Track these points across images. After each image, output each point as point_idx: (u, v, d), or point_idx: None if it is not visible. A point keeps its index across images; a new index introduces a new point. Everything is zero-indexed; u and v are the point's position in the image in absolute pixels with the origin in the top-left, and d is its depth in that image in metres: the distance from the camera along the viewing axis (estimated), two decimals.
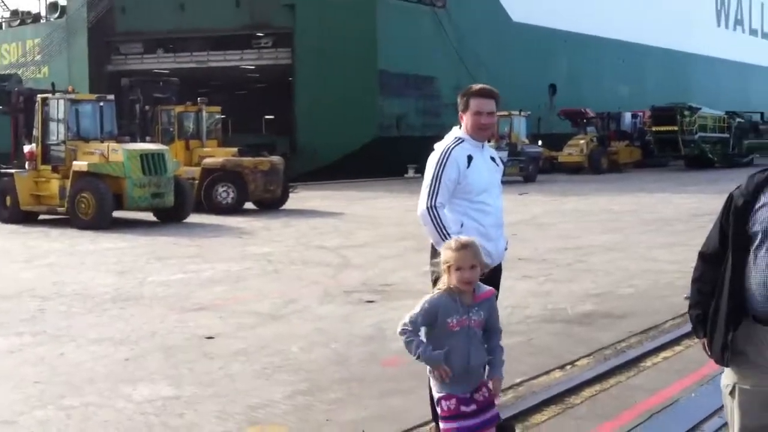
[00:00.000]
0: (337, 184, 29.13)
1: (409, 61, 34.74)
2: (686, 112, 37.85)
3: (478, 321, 3.66)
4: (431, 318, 3.62)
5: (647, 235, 13.69)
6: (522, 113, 32.25)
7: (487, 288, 3.76)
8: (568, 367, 5.81)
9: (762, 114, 46.95)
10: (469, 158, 4.33)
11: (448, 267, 3.61)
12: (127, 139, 17.12)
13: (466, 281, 3.59)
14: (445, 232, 4.15)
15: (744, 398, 3.05)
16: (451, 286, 3.62)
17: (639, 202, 20.20)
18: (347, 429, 4.64)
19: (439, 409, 3.69)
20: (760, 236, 2.98)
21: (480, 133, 4.41)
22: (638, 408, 4.89)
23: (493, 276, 4.30)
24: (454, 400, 3.62)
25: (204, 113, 19.89)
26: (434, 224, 4.21)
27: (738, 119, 42.71)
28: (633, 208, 18.43)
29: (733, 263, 3.02)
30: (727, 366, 3.11)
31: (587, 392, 5.21)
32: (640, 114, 40.59)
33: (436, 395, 3.68)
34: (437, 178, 4.28)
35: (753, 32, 64.37)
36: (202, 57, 35.16)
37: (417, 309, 3.64)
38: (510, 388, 5.23)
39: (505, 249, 4.60)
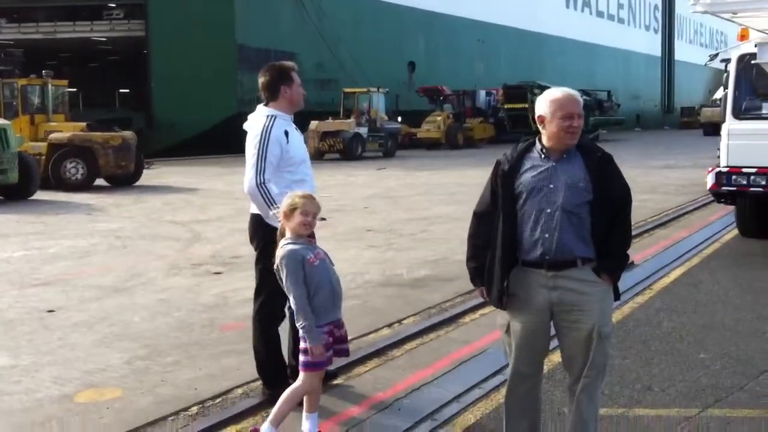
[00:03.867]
0: (196, 159, 28.80)
1: (269, 37, 34.63)
2: (536, 90, 39.67)
3: (325, 254, 4.04)
4: (299, 265, 3.86)
5: None
6: (380, 90, 32.87)
7: None
8: (396, 325, 6.29)
9: (609, 92, 49.84)
10: (286, 133, 4.65)
11: (293, 210, 3.90)
12: None
13: (308, 225, 3.92)
14: (274, 205, 4.43)
15: (516, 333, 3.58)
16: (293, 231, 3.91)
17: (487, 175, 21.11)
18: (181, 387, 4.90)
19: (318, 340, 3.86)
20: (524, 195, 3.51)
21: (302, 103, 4.78)
22: (451, 357, 5.42)
23: None
24: (327, 327, 3.92)
25: (50, 86, 19.20)
26: (264, 199, 4.50)
27: (584, 97, 45.18)
28: (481, 182, 19.09)
29: (503, 219, 3.54)
30: (504, 309, 3.63)
31: (408, 346, 5.70)
32: (494, 92, 42.21)
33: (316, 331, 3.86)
34: (262, 156, 4.53)
35: (600, 14, 67.88)
36: (49, 28, 33.67)
37: (285, 279, 3.84)
38: None
39: None
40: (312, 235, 4.13)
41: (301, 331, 3.89)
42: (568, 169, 3.49)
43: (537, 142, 3.59)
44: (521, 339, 3.59)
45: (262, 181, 4.51)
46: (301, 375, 4.00)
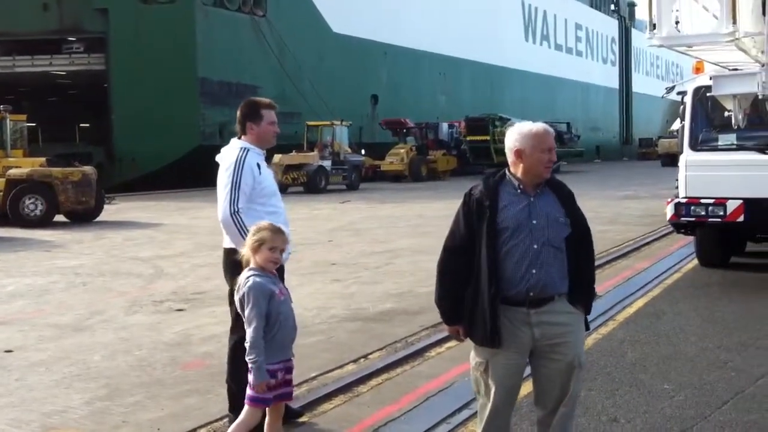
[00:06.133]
0: (159, 194, 28.54)
1: (231, 70, 34.64)
2: (497, 123, 40.24)
3: (287, 290, 4.04)
4: (266, 299, 3.82)
5: None
6: (343, 123, 33.01)
7: None
8: (362, 360, 6.24)
9: (568, 124, 50.67)
10: (258, 165, 4.69)
11: (260, 245, 3.86)
12: None
13: (276, 261, 3.90)
14: (247, 234, 4.41)
15: (496, 371, 3.51)
16: (259, 265, 3.88)
17: (451, 207, 21.09)
18: (143, 428, 4.79)
19: (272, 380, 3.86)
20: (509, 232, 3.47)
21: (272, 141, 4.84)
22: (418, 392, 5.38)
23: (280, 272, 4.65)
24: (281, 364, 3.89)
25: (8, 121, 18.93)
26: (238, 228, 4.50)
27: None
28: (445, 213, 19.35)
29: (488, 257, 3.46)
30: (500, 347, 3.46)
31: (374, 381, 5.65)
32: (456, 124, 42.65)
33: (268, 367, 3.84)
34: (236, 186, 4.56)
35: (558, 47, 69.19)
36: (7, 62, 33.33)
37: (249, 310, 3.79)
38: (304, 382, 5.58)
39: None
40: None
41: (249, 365, 3.85)
42: (545, 205, 3.51)
43: (509, 175, 3.58)
44: (503, 377, 3.52)
45: (236, 210, 4.53)
46: (246, 408, 3.97)
